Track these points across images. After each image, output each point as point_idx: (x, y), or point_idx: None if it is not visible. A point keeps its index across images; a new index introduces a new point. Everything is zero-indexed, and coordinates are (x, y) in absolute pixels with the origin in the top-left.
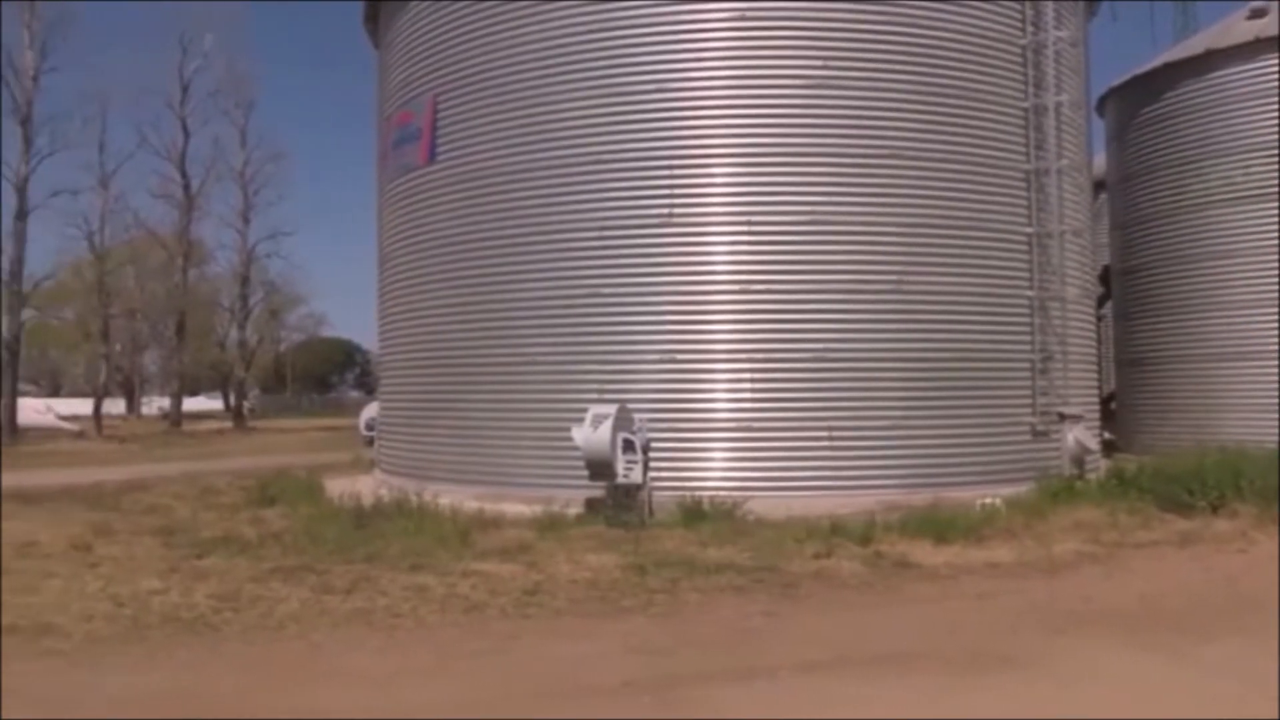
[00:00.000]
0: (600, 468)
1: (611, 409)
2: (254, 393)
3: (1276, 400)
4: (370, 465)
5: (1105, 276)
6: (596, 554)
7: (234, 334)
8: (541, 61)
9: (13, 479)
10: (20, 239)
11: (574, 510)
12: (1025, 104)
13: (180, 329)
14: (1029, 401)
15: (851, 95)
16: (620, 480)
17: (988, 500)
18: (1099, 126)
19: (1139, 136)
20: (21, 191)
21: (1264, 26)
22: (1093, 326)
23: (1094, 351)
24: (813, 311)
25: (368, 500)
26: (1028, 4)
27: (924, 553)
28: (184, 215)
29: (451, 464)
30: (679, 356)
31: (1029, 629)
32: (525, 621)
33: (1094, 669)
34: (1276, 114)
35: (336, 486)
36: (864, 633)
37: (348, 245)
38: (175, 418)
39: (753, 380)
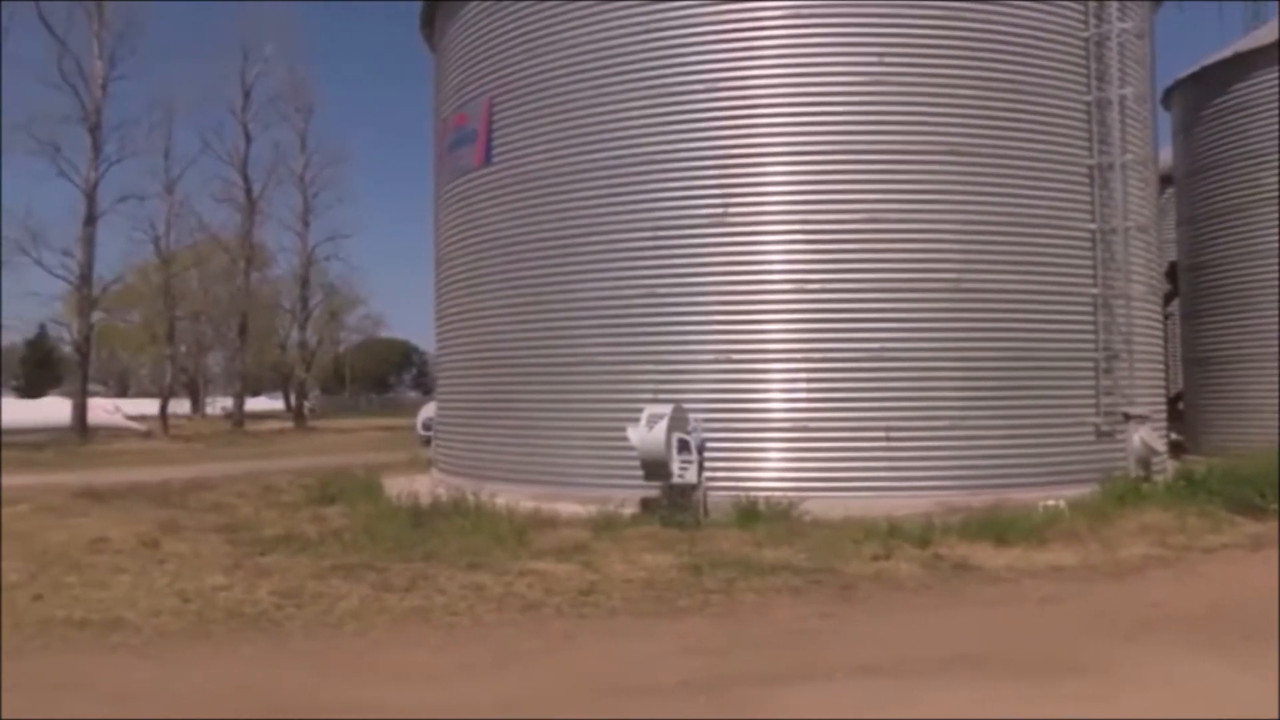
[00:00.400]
0: (655, 468)
1: (667, 409)
2: (314, 393)
3: None
4: (427, 465)
5: (1172, 273)
6: (652, 554)
7: (294, 335)
8: (595, 62)
9: (84, 477)
10: (89, 243)
11: (629, 510)
12: (1088, 98)
13: (243, 331)
14: (1093, 401)
15: (908, 91)
16: (675, 480)
17: (1050, 502)
18: (1165, 120)
19: (1207, 130)
20: (91, 197)
21: None
22: (1159, 324)
23: (1160, 350)
24: (869, 310)
25: (425, 499)
26: None
27: (985, 555)
28: (246, 219)
29: (507, 464)
30: (734, 356)
31: (1095, 634)
32: (581, 621)
33: (1163, 676)
34: None
35: (395, 485)
36: (923, 636)
37: (405, 247)
38: (238, 418)
39: (809, 380)
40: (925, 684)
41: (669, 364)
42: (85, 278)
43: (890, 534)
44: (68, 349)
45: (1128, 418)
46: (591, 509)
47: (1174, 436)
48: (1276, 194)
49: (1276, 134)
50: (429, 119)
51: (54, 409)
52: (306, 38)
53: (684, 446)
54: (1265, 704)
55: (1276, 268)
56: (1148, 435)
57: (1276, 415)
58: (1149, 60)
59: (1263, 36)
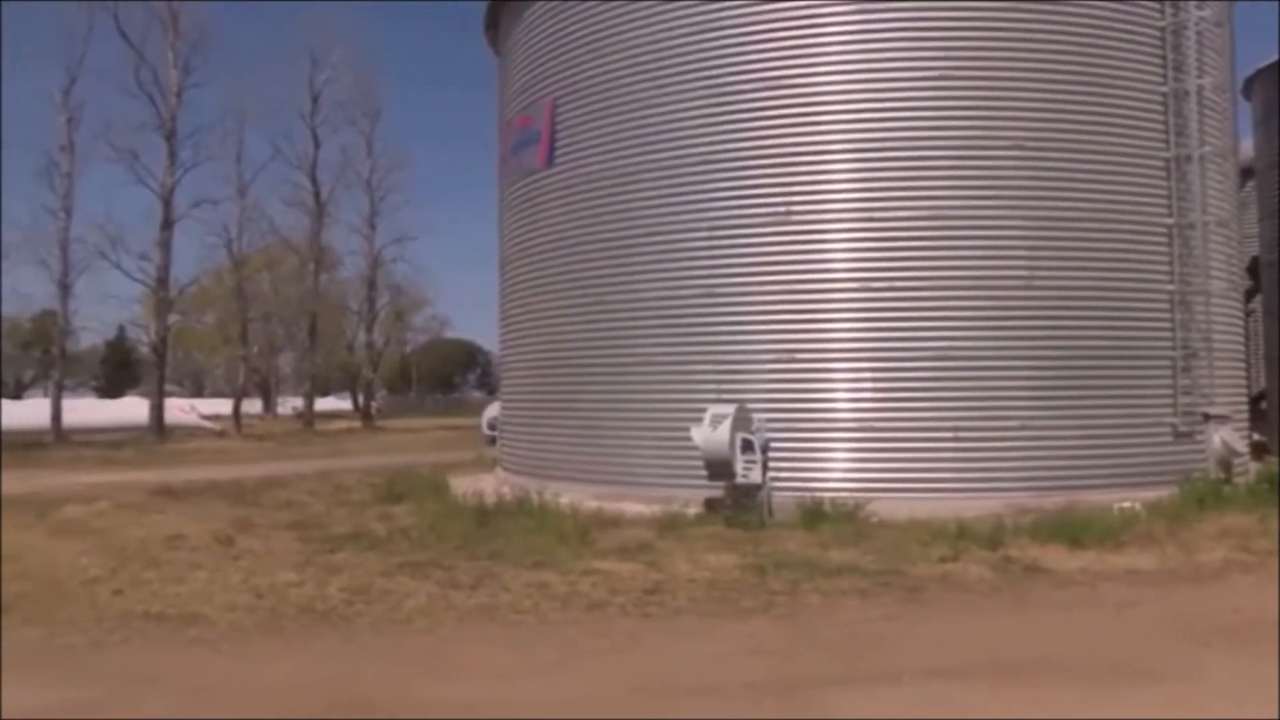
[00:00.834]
0: (719, 467)
1: (730, 409)
2: (381, 393)
3: None
4: (492, 464)
5: (1254, 269)
6: (716, 554)
7: (362, 336)
8: (656, 62)
9: (161, 475)
10: (166, 247)
11: (693, 510)
12: (1164, 89)
13: (312, 332)
14: (1170, 401)
15: (975, 86)
16: (739, 480)
17: (1126, 504)
18: (1246, 110)
19: None
20: (167, 202)
21: None
22: (1240, 322)
23: (1241, 348)
24: (936, 308)
25: (490, 498)
26: None
27: (1057, 558)
28: (315, 222)
29: (571, 463)
30: (797, 355)
31: (1173, 640)
32: (646, 620)
33: (1244, 684)
34: None
35: (460, 484)
36: (993, 640)
37: (470, 249)
38: (308, 417)
39: (874, 379)
40: (996, 688)
41: (731, 364)
42: (162, 281)
43: (958, 536)
44: (145, 350)
45: (1207, 418)
46: (655, 509)
47: (1256, 437)
48: None
49: None
50: (493, 121)
51: (132, 409)
52: (373, 43)
53: (748, 446)
54: None
55: None
56: (1228, 436)
57: None
58: (1228, 49)
59: None
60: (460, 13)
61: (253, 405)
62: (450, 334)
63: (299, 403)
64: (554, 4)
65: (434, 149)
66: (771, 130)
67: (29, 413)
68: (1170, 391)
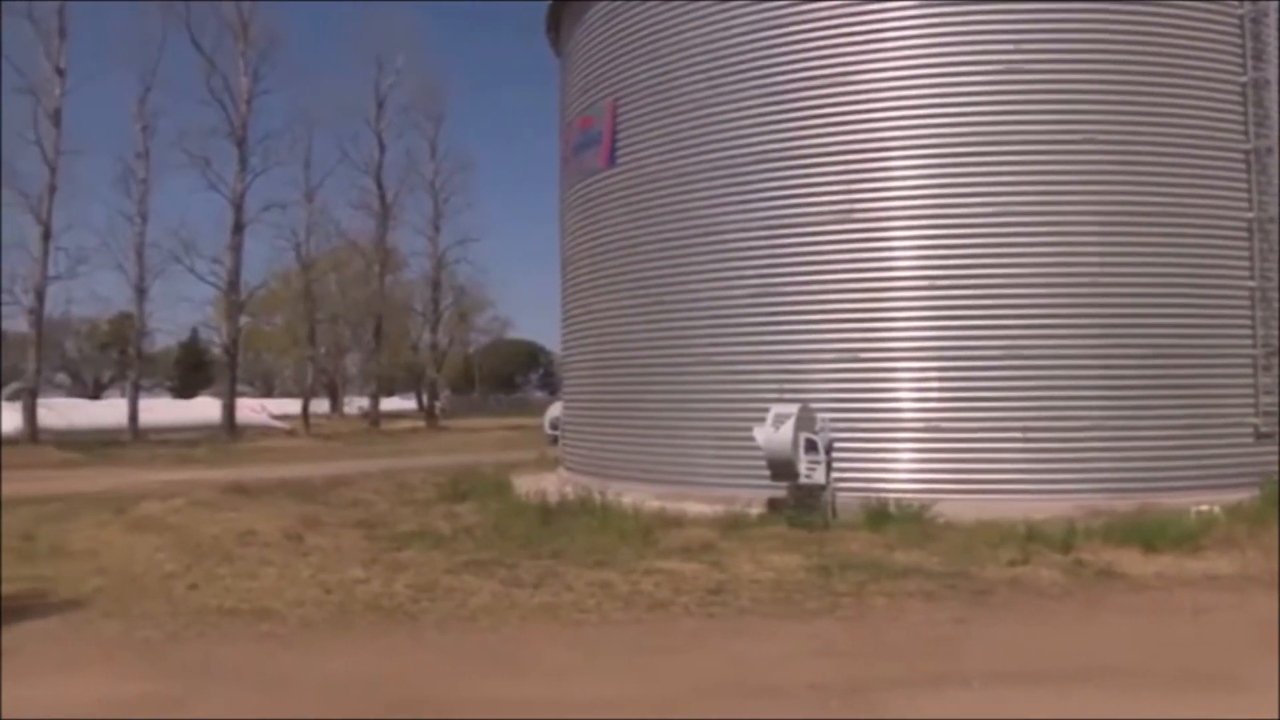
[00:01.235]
0: (782, 468)
1: (793, 408)
2: (445, 393)
3: None
4: (555, 463)
5: None
6: (779, 555)
7: (426, 337)
8: (716, 61)
9: (233, 473)
10: (237, 251)
11: (755, 510)
12: (1243, 78)
13: (378, 333)
14: (1251, 401)
15: (1044, 78)
16: (803, 480)
17: (1204, 507)
18: None
19: None
20: (238, 207)
21: None
22: None
23: None
24: (1004, 306)
25: (553, 497)
26: None
27: (1131, 562)
28: (380, 225)
29: (633, 463)
30: (861, 355)
31: (1254, 648)
32: (709, 620)
33: None
34: None
35: (523, 484)
36: (1065, 645)
37: (532, 250)
38: (374, 417)
39: (940, 378)
40: (1067, 694)
41: (793, 363)
42: (233, 283)
43: (1028, 538)
44: (218, 351)
45: None
46: (717, 508)
47: None
48: None
49: None
50: (554, 122)
51: (205, 409)
52: (436, 46)
53: (811, 446)
54: None
55: None
56: None
57: None
58: None
59: None
60: (521, 14)
61: (320, 405)
62: (513, 334)
63: (365, 403)
64: (614, 5)
65: (496, 150)
66: (833, 127)
67: (107, 412)
68: (1251, 391)
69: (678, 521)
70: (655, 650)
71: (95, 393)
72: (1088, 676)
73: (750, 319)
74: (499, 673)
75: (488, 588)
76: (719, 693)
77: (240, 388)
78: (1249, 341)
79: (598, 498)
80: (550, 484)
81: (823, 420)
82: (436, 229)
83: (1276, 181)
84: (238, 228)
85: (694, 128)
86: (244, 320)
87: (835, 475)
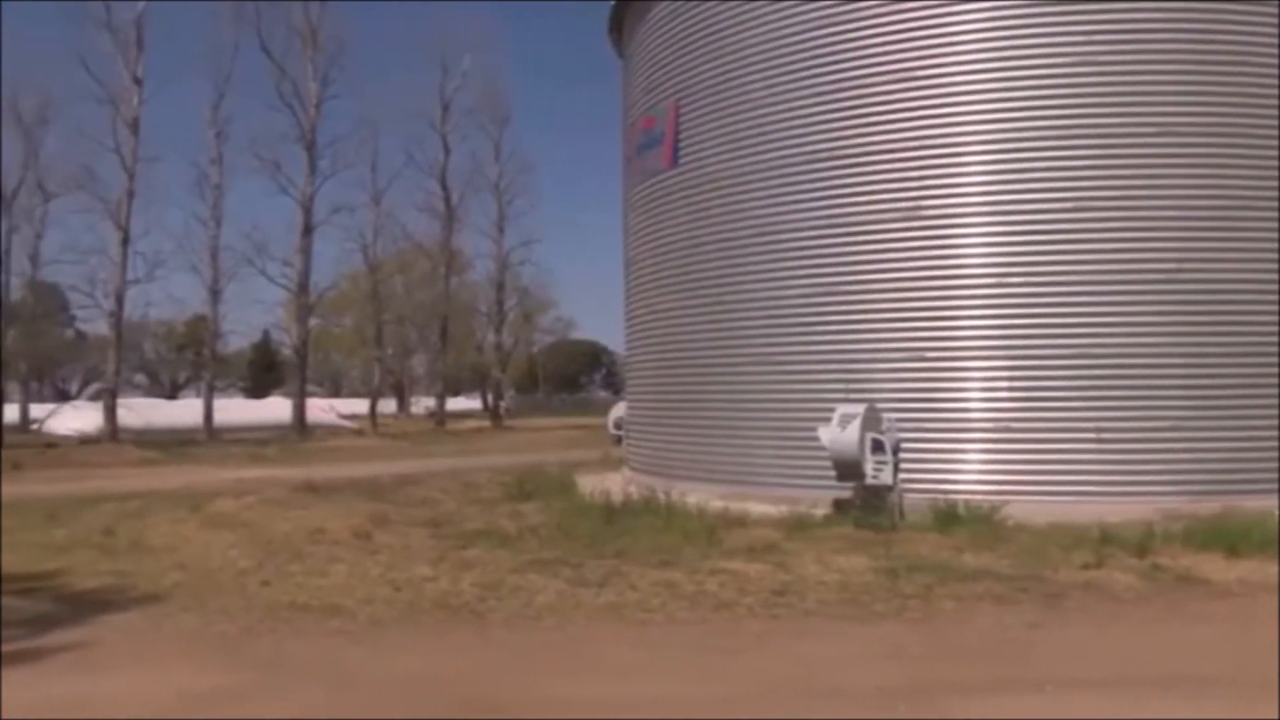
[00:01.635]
0: (848, 468)
1: (859, 408)
2: (509, 393)
3: None
4: (619, 463)
5: None
6: (845, 556)
7: (491, 337)
8: (780, 60)
9: (303, 472)
10: (307, 254)
11: (821, 511)
12: None
13: (443, 334)
14: None
15: (1117, 69)
16: (869, 481)
17: None
18: None
19: None
20: (307, 210)
21: None
22: None
23: None
24: (1077, 304)
25: (617, 497)
26: None
27: (1212, 567)
28: (446, 227)
29: (696, 463)
30: (928, 354)
31: None
32: (774, 622)
33: None
34: None
35: (587, 483)
36: (1142, 651)
37: (595, 251)
38: (440, 417)
39: (1010, 378)
40: (1143, 701)
41: (858, 363)
42: (303, 286)
43: (1103, 541)
44: (288, 352)
45: None
46: (782, 509)
47: None
48: None
49: None
50: (616, 124)
51: (277, 408)
52: (501, 49)
53: (878, 447)
54: None
55: None
56: None
57: None
58: None
59: None
60: (584, 15)
61: (387, 405)
62: (576, 335)
63: (431, 402)
64: (676, 5)
65: (559, 151)
66: (900, 123)
67: (183, 412)
68: None
69: (741, 522)
70: (720, 650)
71: (172, 393)
72: (1166, 684)
73: (815, 318)
74: (565, 671)
75: (553, 587)
76: (785, 693)
77: (310, 388)
78: None
79: (662, 497)
80: (614, 483)
81: (889, 420)
82: (501, 230)
83: None
84: (307, 230)
85: (757, 127)
86: (313, 322)
87: (902, 476)
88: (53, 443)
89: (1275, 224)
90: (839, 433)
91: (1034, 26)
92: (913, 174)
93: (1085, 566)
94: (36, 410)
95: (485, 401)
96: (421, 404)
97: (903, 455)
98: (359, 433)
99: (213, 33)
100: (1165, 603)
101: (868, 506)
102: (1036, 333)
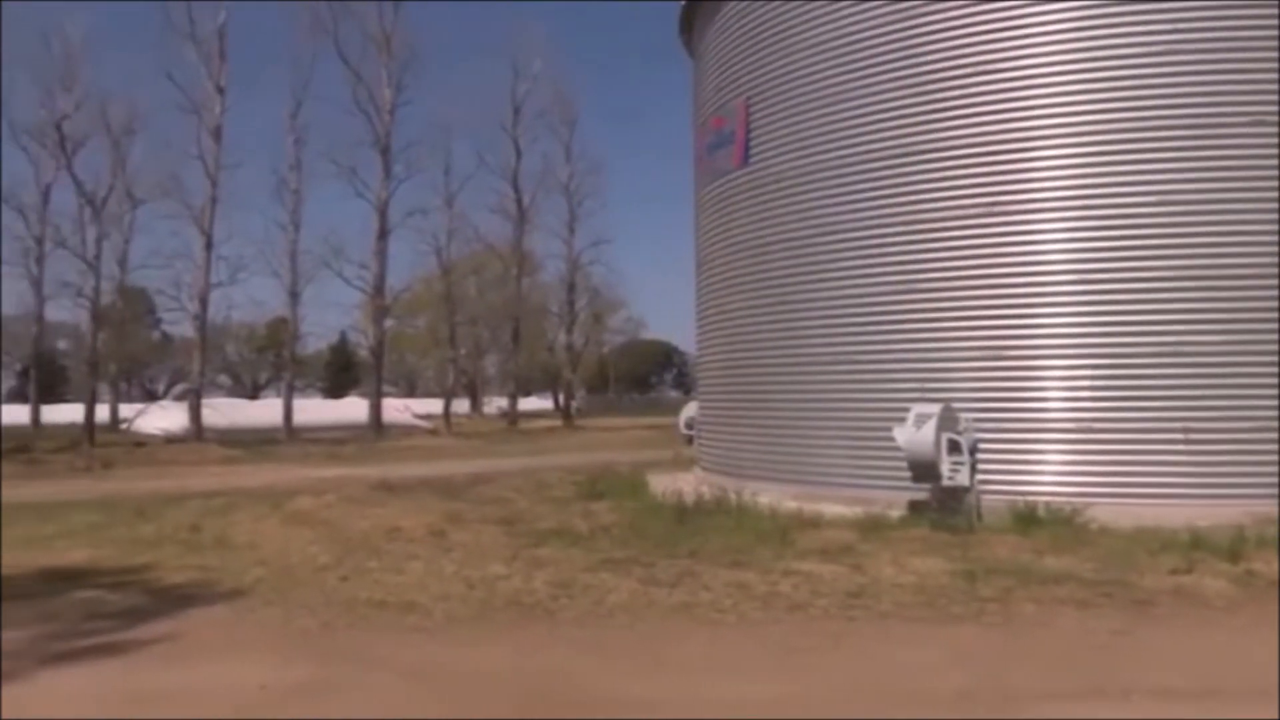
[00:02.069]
0: (924, 469)
1: (935, 408)
2: (580, 393)
3: None
4: (690, 463)
5: None
6: (922, 558)
7: (562, 338)
8: (852, 56)
9: (380, 470)
10: (382, 256)
11: (895, 512)
12: None
13: (515, 334)
14: None
15: (1207, 58)
16: (945, 482)
17: None
18: None
19: None
20: (382, 214)
21: None
22: None
23: None
24: (1164, 302)
25: (689, 497)
26: None
27: None
28: (517, 228)
29: (768, 463)
30: (1007, 353)
31: None
32: (849, 623)
33: None
34: None
35: (659, 483)
36: (1234, 661)
37: (666, 251)
38: (512, 416)
39: (1093, 378)
40: (1236, 712)
41: (934, 362)
42: (379, 288)
43: (1192, 545)
44: (365, 353)
45: None
46: (856, 510)
47: None
48: None
49: None
50: (686, 124)
51: (353, 408)
52: (571, 51)
53: (954, 447)
54: None
55: None
56: None
57: None
58: None
59: None
60: (654, 15)
61: (461, 405)
62: (646, 335)
63: (503, 402)
64: (747, 4)
65: (629, 151)
66: (977, 117)
67: (264, 412)
68: None
69: (815, 523)
70: (794, 651)
71: (253, 393)
72: (1259, 695)
73: (889, 317)
74: (637, 670)
75: (625, 586)
76: (861, 696)
77: (385, 388)
78: None
79: (733, 498)
80: (686, 483)
81: (966, 420)
82: (571, 231)
83: None
84: (382, 234)
85: (829, 124)
86: (389, 323)
87: (979, 477)
88: (141, 442)
89: None
90: (914, 433)
91: (1119, 14)
92: (991, 168)
93: (1174, 572)
94: (125, 410)
95: (556, 401)
96: (494, 404)
97: (980, 456)
98: (433, 432)
99: (291, 42)
100: (1258, 610)
101: (944, 508)
102: (1121, 330)
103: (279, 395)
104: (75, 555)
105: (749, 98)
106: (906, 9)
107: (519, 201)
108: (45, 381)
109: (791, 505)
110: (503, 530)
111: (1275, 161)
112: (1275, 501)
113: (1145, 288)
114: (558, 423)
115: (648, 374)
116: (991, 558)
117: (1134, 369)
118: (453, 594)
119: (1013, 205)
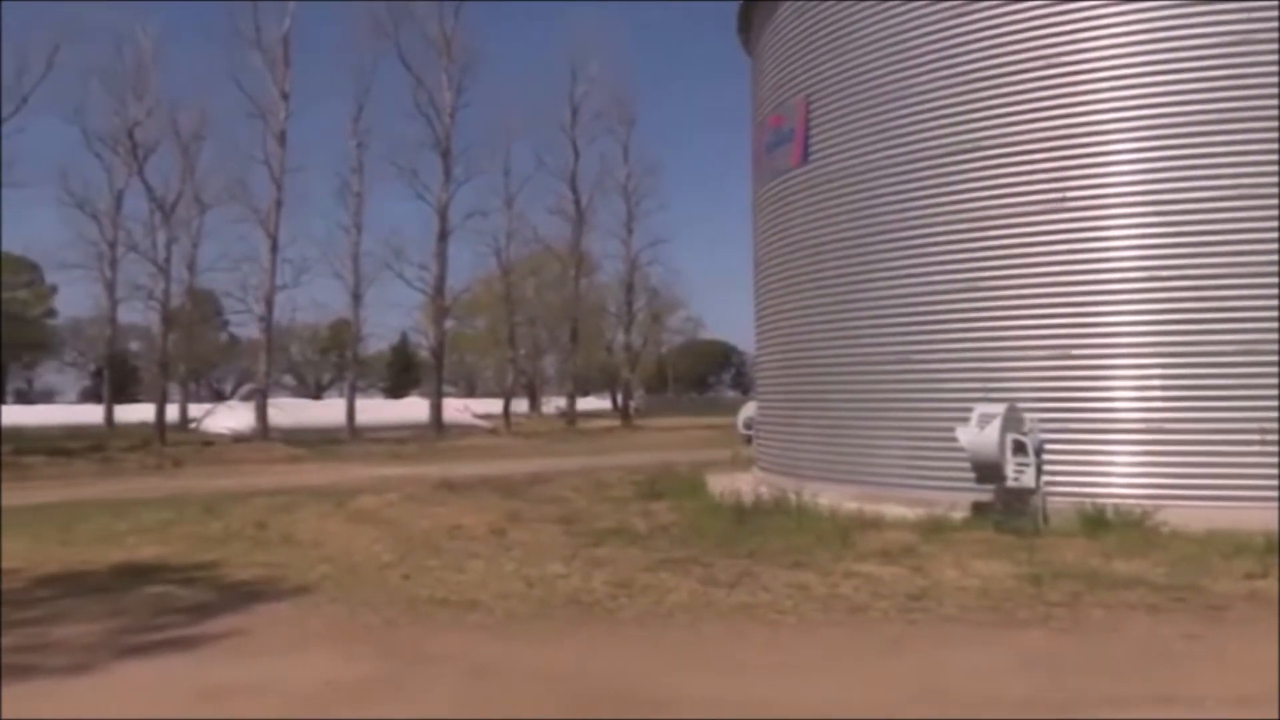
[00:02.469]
0: (988, 470)
1: (999, 408)
2: (639, 393)
3: None
4: (748, 463)
5: None
6: (985, 561)
7: (620, 338)
8: (912, 52)
9: (441, 469)
10: (442, 258)
11: (958, 514)
12: None
13: (574, 335)
14: None
15: (1278, 47)
16: (1010, 483)
17: None
18: None
19: None
20: (443, 215)
21: None
22: None
23: None
24: (1239, 299)
25: (747, 497)
26: None
27: None
28: (575, 229)
29: (828, 463)
30: (1073, 352)
31: None
32: (911, 626)
33: None
34: None
35: (717, 483)
36: None
37: (724, 250)
38: (570, 416)
39: (1163, 377)
40: None
41: (998, 361)
42: (439, 289)
43: (1267, 549)
44: (425, 354)
45: None
46: (918, 511)
47: None
48: None
49: None
50: (743, 123)
51: (414, 408)
52: (628, 51)
53: (1019, 448)
54: None
55: None
56: None
57: None
58: None
59: None
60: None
61: (520, 405)
62: (705, 335)
63: (562, 402)
64: (804, 3)
65: (687, 151)
66: (1041, 112)
67: (328, 411)
68: None
69: (875, 524)
70: (855, 654)
71: (317, 393)
72: None
73: (951, 316)
74: (696, 670)
75: (684, 586)
76: (923, 701)
77: (446, 388)
78: None
79: (793, 498)
80: (744, 483)
81: (1031, 421)
82: (629, 232)
83: None
84: (443, 235)
85: (889, 121)
86: (449, 324)
87: (1045, 478)
88: (209, 441)
89: None
90: (978, 433)
91: (1190, 3)
92: (1057, 165)
93: (1249, 576)
94: (194, 410)
95: (615, 401)
96: (553, 404)
97: (1046, 457)
98: (493, 432)
99: (353, 46)
100: None
101: (1009, 510)
102: (1193, 329)
103: (342, 395)
104: (146, 551)
105: (808, 96)
106: (966, 5)
107: (577, 202)
108: (118, 382)
109: (851, 506)
110: (562, 529)
111: None
112: None
113: (1218, 284)
114: (616, 423)
115: (706, 374)
116: (1058, 561)
117: (1207, 368)
118: (513, 592)
119: (1080, 201)
